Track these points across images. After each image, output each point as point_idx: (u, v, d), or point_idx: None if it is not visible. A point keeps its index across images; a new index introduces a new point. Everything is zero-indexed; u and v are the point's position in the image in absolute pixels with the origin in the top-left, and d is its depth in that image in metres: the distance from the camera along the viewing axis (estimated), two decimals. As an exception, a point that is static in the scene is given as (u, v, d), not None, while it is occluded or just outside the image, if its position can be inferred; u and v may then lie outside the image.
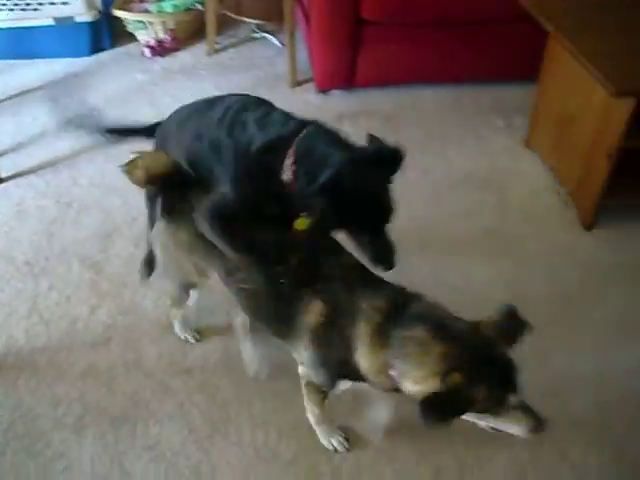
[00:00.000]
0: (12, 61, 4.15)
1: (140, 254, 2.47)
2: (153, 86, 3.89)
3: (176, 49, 4.16)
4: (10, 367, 2.32)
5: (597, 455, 2.02)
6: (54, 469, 2.01)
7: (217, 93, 3.25)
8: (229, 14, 4.02)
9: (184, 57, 4.22)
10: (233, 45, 4.36)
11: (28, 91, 3.86)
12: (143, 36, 4.14)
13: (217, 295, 2.20)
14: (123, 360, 2.32)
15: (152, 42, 4.07)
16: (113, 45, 4.31)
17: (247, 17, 3.99)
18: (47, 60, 4.16)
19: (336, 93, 3.77)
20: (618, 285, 2.54)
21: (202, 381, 2.24)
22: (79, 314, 2.48)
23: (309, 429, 2.04)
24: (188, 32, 4.24)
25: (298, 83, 3.83)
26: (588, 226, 2.81)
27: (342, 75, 3.66)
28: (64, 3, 3.92)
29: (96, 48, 4.20)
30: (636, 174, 2.71)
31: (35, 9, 3.93)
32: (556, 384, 2.17)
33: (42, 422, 2.14)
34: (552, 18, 2.72)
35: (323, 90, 3.74)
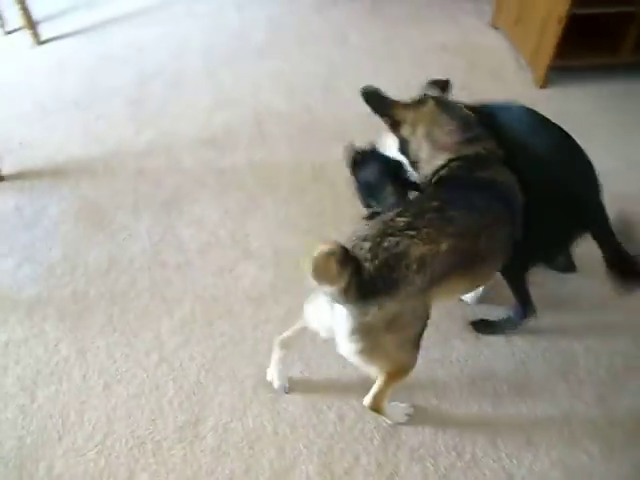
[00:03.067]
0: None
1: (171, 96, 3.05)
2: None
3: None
4: (72, 172, 2.83)
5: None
6: (118, 237, 2.54)
7: None
8: None
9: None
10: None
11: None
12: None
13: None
14: (166, 164, 2.84)
15: None
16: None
17: None
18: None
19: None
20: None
21: (232, 178, 2.78)
22: (125, 135, 3.00)
23: (321, 214, 2.61)
24: None
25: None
26: (542, 85, 3.37)
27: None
28: None
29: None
30: (582, 41, 3.28)
31: None
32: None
33: (104, 207, 2.66)
34: None
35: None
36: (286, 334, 1.95)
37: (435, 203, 1.67)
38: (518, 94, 3.26)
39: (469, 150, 1.81)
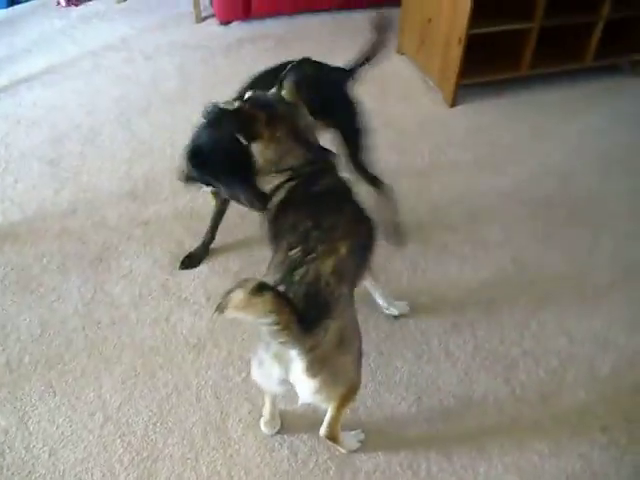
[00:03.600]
0: None
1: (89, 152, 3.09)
2: (73, 29, 4.34)
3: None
4: (-6, 238, 2.78)
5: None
6: (48, 299, 2.50)
7: (132, 33, 3.90)
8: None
9: (96, 5, 4.67)
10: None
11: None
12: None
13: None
14: (90, 222, 2.83)
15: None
16: (26, -1, 4.71)
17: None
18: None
19: (235, 24, 4.35)
20: (474, 138, 3.28)
21: (158, 228, 2.79)
22: (45, 196, 2.97)
23: (251, 254, 2.67)
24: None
25: (202, 19, 4.36)
26: (451, 104, 3.52)
27: (239, 8, 4.24)
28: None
29: (12, 1, 4.58)
30: (484, 58, 3.46)
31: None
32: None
33: (31, 270, 2.62)
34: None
35: (224, 22, 4.31)
36: (264, 418, 2.03)
37: (309, 222, 1.73)
38: (430, 114, 3.41)
39: (309, 168, 1.86)
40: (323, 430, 1.86)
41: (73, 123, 3.41)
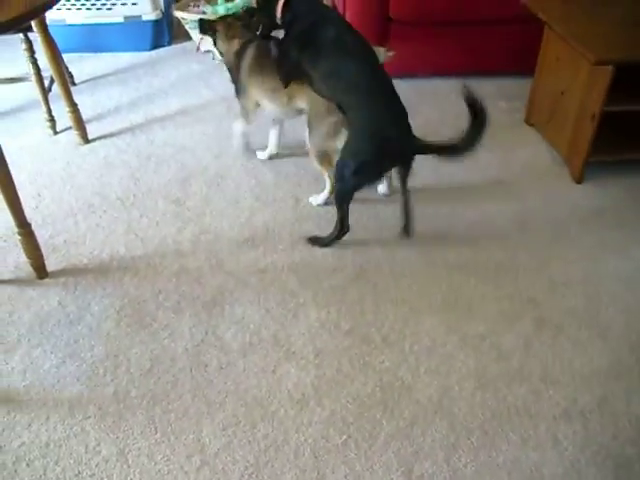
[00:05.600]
0: (81, 54, 4.75)
1: (213, 195, 3.21)
2: (209, 74, 4.51)
3: (226, 47, 4.77)
4: (115, 269, 2.88)
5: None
6: (161, 335, 2.55)
7: None
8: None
9: (233, 54, 4.83)
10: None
11: (100, 77, 4.47)
12: (198, 34, 4.75)
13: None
14: (208, 264, 2.88)
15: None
16: (170, 42, 4.94)
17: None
18: (112, 54, 4.77)
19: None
20: (599, 218, 3.18)
21: (274, 278, 2.81)
22: (168, 233, 3.05)
23: (363, 315, 2.64)
24: (236, 32, 4.85)
25: (333, 75, 4.42)
26: (578, 180, 3.42)
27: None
28: (134, 4, 4.56)
29: (156, 44, 4.84)
30: (617, 136, 3.34)
31: (109, 8, 4.57)
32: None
33: (147, 305, 2.69)
34: (545, 10, 3.43)
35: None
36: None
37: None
38: (554, 188, 3.32)
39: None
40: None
41: (200, 165, 3.52)
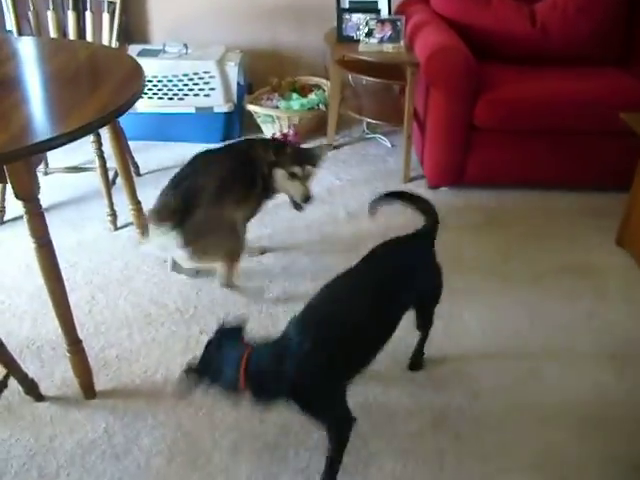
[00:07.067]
0: (151, 142, 4.64)
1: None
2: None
3: (298, 142, 4.60)
4: (169, 395, 2.62)
5: None
6: (215, 481, 2.26)
7: (337, 183, 3.79)
8: (352, 114, 4.47)
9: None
10: (347, 143, 4.82)
11: (167, 168, 4.30)
12: (269, 129, 4.62)
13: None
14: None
15: (277, 134, 4.53)
16: (241, 135, 4.78)
17: (367, 117, 4.42)
18: (181, 144, 4.63)
19: (444, 189, 4.14)
20: None
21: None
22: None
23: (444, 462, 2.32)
24: (309, 128, 4.69)
25: (410, 179, 4.22)
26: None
27: (452, 174, 4.06)
28: (206, 95, 4.44)
29: (227, 136, 4.68)
30: None
31: (181, 99, 4.47)
32: None
33: (202, 442, 2.42)
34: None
35: (433, 187, 4.12)
36: None
37: None
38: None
39: None
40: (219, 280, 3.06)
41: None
